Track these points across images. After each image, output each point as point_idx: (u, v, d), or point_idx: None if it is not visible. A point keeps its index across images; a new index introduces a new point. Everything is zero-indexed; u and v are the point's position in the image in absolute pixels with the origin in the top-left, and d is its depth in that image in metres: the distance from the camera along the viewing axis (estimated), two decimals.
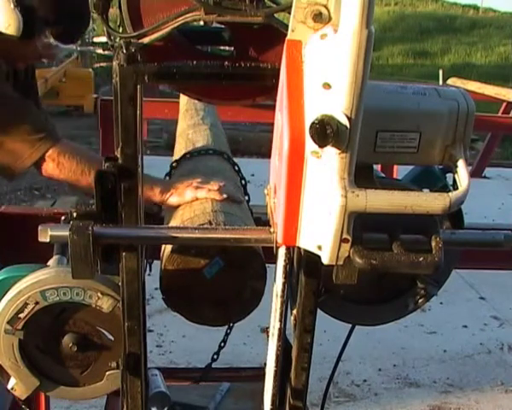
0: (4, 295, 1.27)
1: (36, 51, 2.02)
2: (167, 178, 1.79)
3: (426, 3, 25.27)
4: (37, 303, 1.26)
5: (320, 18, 0.92)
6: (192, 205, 1.56)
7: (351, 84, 0.85)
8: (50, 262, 1.42)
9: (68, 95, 10.24)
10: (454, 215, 1.20)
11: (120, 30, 1.13)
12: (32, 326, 1.29)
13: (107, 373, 1.36)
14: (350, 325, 1.45)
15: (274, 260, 1.11)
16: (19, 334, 1.28)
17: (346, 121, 0.86)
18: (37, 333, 1.31)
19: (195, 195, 1.57)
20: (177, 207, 1.61)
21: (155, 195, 1.65)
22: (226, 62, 1.12)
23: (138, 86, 1.10)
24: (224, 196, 1.54)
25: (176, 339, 3.87)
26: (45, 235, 1.12)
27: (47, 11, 1.92)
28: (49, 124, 1.94)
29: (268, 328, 1.19)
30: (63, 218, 1.21)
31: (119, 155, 1.12)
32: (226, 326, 2.03)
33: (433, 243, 1.01)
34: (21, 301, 1.26)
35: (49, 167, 1.86)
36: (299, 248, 1.01)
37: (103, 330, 1.33)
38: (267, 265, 1.38)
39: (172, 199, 1.63)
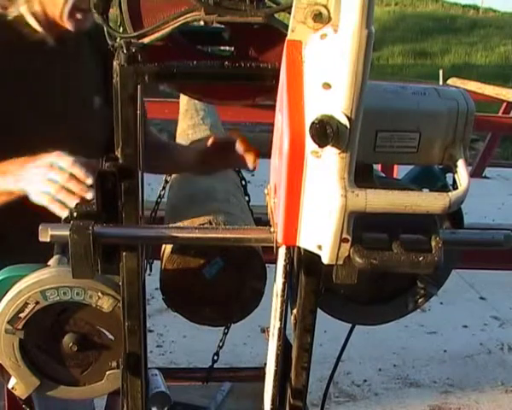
0: (5, 294, 1.27)
1: None
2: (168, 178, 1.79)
3: (426, 3, 25.22)
4: (37, 303, 1.26)
5: (320, 18, 0.92)
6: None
7: (351, 84, 0.85)
8: (51, 262, 1.42)
9: None
10: (454, 215, 1.20)
11: (120, 30, 1.13)
12: (32, 326, 1.29)
13: (108, 373, 1.36)
14: (350, 325, 1.45)
15: (274, 260, 1.11)
16: (19, 333, 1.28)
17: (346, 121, 0.86)
18: (37, 333, 1.31)
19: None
20: None
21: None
22: (226, 62, 1.12)
23: (138, 86, 1.10)
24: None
25: (176, 339, 3.86)
26: (45, 235, 1.12)
27: None
28: None
29: (268, 328, 1.19)
30: (63, 217, 1.21)
31: (119, 155, 1.13)
32: (225, 326, 2.03)
33: (433, 243, 1.01)
34: (22, 300, 1.26)
35: None
36: (299, 247, 1.01)
37: (103, 330, 1.33)
38: (267, 265, 1.38)
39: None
